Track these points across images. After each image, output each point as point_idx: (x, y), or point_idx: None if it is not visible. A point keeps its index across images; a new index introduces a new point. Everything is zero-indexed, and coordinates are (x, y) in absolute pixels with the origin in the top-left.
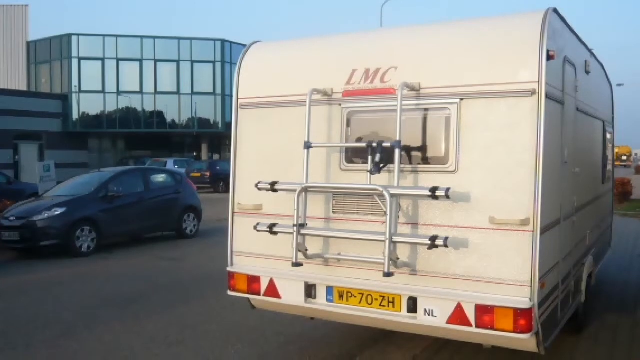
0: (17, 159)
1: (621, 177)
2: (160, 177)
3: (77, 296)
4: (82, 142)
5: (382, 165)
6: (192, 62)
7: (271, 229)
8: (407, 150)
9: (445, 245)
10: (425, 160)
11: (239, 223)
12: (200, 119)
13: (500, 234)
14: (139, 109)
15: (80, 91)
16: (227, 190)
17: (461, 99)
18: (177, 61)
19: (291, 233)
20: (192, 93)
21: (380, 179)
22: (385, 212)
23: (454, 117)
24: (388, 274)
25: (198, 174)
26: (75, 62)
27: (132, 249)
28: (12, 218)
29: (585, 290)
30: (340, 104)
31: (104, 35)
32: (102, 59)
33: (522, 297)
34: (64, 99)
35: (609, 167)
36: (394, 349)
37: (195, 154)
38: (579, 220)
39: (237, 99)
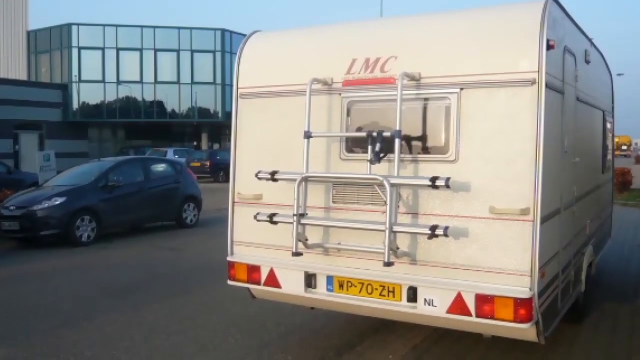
0: (17, 148)
1: (621, 166)
2: (160, 167)
3: (77, 286)
4: (82, 132)
5: (382, 155)
6: (192, 51)
7: (271, 219)
8: (407, 139)
9: (445, 235)
10: (425, 150)
11: (239, 212)
12: (200, 109)
13: (500, 224)
14: (139, 98)
15: (80, 81)
16: (227, 180)
17: (461, 89)
18: (177, 51)
19: (291, 222)
20: (192, 82)
21: (380, 169)
22: (385, 202)
23: (454, 106)
24: (388, 264)
25: (198, 164)
26: (75, 51)
27: (132, 239)
28: (12, 207)
29: (585, 280)
30: (340, 94)
31: (103, 25)
32: (102, 49)
33: (522, 286)
34: (64, 88)
35: (609, 156)
36: (394, 338)
37: (195, 143)
38: (579, 209)
39: (237, 88)
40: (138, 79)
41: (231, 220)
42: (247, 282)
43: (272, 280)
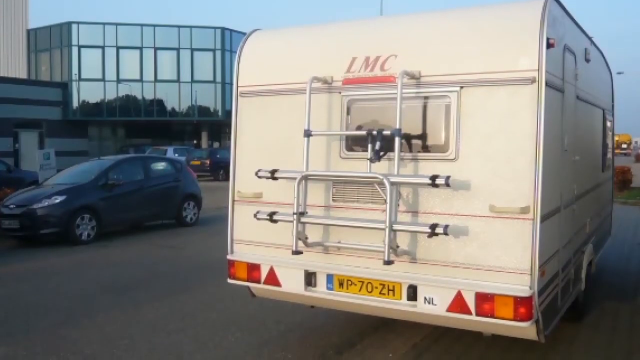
0: (17, 147)
1: (621, 165)
2: (160, 165)
3: (77, 284)
4: (82, 130)
5: (382, 153)
6: (192, 50)
7: (271, 217)
8: (407, 138)
9: (445, 233)
10: (425, 148)
11: (239, 211)
12: (200, 107)
13: (501, 222)
14: (139, 97)
15: (80, 79)
16: (227, 178)
17: (461, 87)
18: (177, 49)
19: (291, 221)
20: (192, 81)
21: (380, 167)
22: (385, 200)
23: (454, 105)
24: (388, 262)
25: (198, 162)
26: (75, 50)
27: (132, 237)
28: (12, 206)
29: (585, 278)
30: (340, 92)
31: (104, 23)
32: (102, 47)
33: (522, 285)
34: (64, 87)
35: (609, 155)
36: (394, 336)
37: (195, 142)
38: (579, 208)
39: (237, 87)
40: (138, 77)
41: (231, 219)
42: (247, 281)
43: (272, 279)
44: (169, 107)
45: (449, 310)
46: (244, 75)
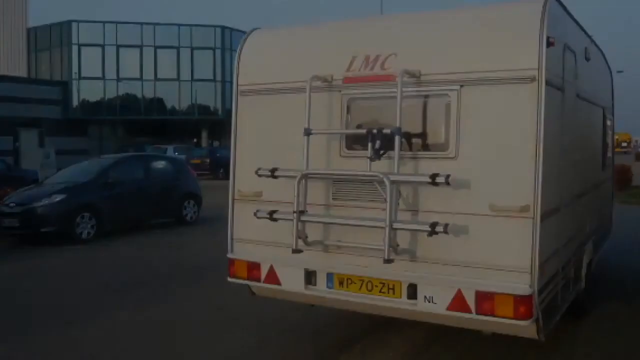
0: (17, 145)
1: (621, 163)
2: (160, 164)
3: (77, 283)
4: (82, 129)
5: (382, 152)
6: (192, 48)
7: (271, 216)
8: (407, 137)
9: (445, 232)
10: (425, 147)
11: (239, 209)
12: (200, 106)
13: (501, 221)
14: (139, 95)
15: (80, 78)
16: (227, 177)
17: (461, 86)
18: (177, 48)
19: (291, 219)
20: (192, 80)
21: (380, 166)
22: (385, 199)
23: (454, 103)
24: (388, 261)
25: (198, 161)
26: (75, 48)
27: (132, 236)
28: (12, 204)
29: (585, 277)
30: (340, 91)
31: (104, 22)
32: (102, 46)
33: (522, 283)
34: (64, 85)
35: (609, 153)
36: (394, 335)
37: (195, 140)
38: (579, 207)
39: (237, 85)
40: (138, 76)
41: (231, 218)
42: (247, 279)
43: (272, 278)
44: (169, 106)
45: (449, 308)
46: (244, 74)
